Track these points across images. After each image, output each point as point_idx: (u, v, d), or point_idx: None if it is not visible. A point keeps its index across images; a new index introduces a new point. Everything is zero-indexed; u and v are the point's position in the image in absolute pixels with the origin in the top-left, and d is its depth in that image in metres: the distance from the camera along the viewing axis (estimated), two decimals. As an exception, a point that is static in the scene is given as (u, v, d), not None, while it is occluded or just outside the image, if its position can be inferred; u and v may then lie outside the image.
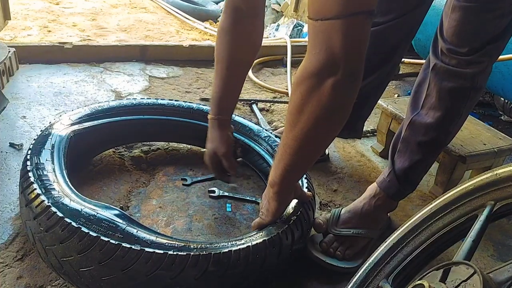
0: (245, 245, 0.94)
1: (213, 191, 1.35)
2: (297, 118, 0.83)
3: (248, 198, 1.35)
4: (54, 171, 1.04)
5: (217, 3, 4.32)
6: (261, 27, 1.19)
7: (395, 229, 0.87)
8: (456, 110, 1.13)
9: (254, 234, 1.00)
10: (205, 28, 3.17)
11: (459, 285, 0.59)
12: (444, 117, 1.13)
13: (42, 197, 0.93)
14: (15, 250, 1.05)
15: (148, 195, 1.30)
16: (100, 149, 1.39)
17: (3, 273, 0.99)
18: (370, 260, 0.87)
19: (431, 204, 0.83)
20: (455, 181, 1.49)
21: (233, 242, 0.95)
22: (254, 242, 0.95)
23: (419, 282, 0.63)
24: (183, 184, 1.37)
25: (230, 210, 1.30)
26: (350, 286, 0.87)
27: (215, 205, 1.31)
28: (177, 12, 3.42)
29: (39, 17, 2.84)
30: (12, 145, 1.42)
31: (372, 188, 1.27)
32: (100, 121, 1.30)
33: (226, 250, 0.91)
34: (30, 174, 0.99)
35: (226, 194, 1.35)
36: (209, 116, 1.25)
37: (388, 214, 1.31)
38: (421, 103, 1.16)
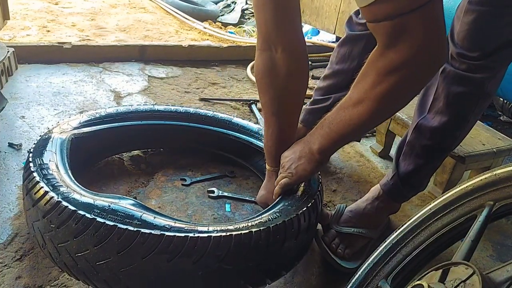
0: (265, 226, 0.93)
1: (212, 191, 1.35)
2: (379, 104, 0.86)
3: (247, 198, 1.35)
4: (59, 170, 1.02)
5: (216, 3, 4.32)
6: (306, 61, 1.07)
7: (395, 229, 0.87)
8: (463, 116, 1.11)
9: (273, 213, 0.99)
10: (204, 28, 3.17)
11: (458, 285, 0.59)
12: (451, 122, 1.11)
13: (51, 194, 0.90)
14: (14, 250, 1.05)
15: (147, 195, 1.30)
16: (99, 156, 1.38)
17: (2, 273, 0.98)
18: (369, 260, 0.87)
19: (430, 204, 0.83)
20: (454, 181, 1.49)
21: (253, 223, 0.94)
22: (274, 223, 0.94)
23: (418, 282, 0.63)
24: (182, 184, 1.37)
25: (229, 210, 1.30)
26: (349, 286, 0.87)
27: (214, 205, 1.31)
28: (176, 12, 3.42)
29: (38, 17, 2.84)
30: (11, 145, 1.42)
31: (375, 190, 1.27)
32: (98, 127, 1.29)
33: (247, 231, 0.90)
34: (35, 174, 0.97)
35: (225, 194, 1.35)
36: (266, 166, 1.17)
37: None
38: (428, 107, 1.14)
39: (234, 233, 0.88)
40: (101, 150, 1.36)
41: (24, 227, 1.11)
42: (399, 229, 0.86)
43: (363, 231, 1.18)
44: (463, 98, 1.08)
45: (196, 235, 0.85)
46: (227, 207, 1.31)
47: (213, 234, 0.86)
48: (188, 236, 0.84)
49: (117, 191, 1.30)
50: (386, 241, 0.87)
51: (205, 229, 0.89)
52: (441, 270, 0.63)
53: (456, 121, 1.11)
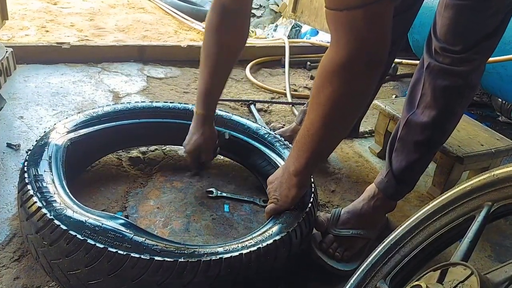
0: (255, 247, 0.93)
1: (211, 192, 1.35)
2: (329, 109, 0.85)
3: (246, 199, 1.35)
4: (54, 182, 1.01)
5: (215, 3, 4.31)
6: (247, 25, 1.22)
7: (393, 229, 0.87)
8: (451, 109, 1.14)
9: (263, 233, 0.99)
10: (203, 28, 3.16)
11: (456, 286, 0.59)
12: (440, 116, 1.13)
13: (44, 210, 0.90)
14: (12, 250, 1.05)
15: (146, 195, 1.30)
16: (97, 155, 1.37)
17: (0, 274, 0.98)
18: (368, 261, 0.86)
19: (429, 205, 0.83)
20: (452, 182, 1.49)
21: (243, 244, 0.94)
22: (264, 244, 0.94)
23: (416, 283, 0.63)
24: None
25: (228, 210, 1.30)
26: (348, 286, 0.86)
27: (213, 205, 1.31)
28: (175, 13, 3.42)
29: (36, 17, 2.83)
30: (9, 145, 1.42)
31: (370, 189, 1.27)
32: (96, 127, 1.28)
33: (237, 253, 0.90)
34: (29, 186, 0.96)
35: (224, 194, 1.35)
36: (196, 110, 1.29)
37: (386, 214, 1.32)
38: (416, 103, 1.16)
39: (224, 256, 0.89)
40: (99, 150, 1.35)
41: (22, 227, 1.11)
42: (397, 229, 0.86)
43: (361, 232, 1.18)
44: (449, 91, 1.10)
45: (186, 259, 0.86)
46: (226, 207, 1.31)
47: (203, 259, 0.87)
48: (177, 260, 0.85)
49: (116, 191, 1.29)
50: (384, 241, 0.87)
51: (195, 252, 0.89)
52: (439, 271, 0.63)
53: (444, 114, 1.13)
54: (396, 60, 2.62)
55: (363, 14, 0.74)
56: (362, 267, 0.86)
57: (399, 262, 0.83)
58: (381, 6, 0.75)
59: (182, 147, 1.52)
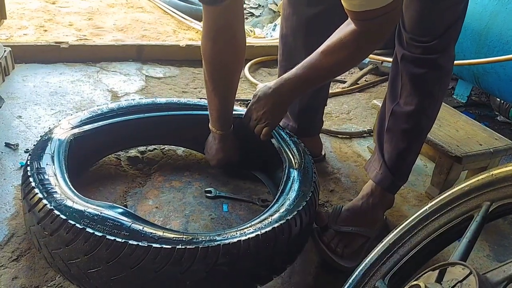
0: (254, 234, 0.93)
1: (210, 192, 1.34)
2: (342, 62, 1.10)
3: (244, 198, 1.35)
4: (55, 175, 1.02)
5: (214, 3, 4.30)
6: (243, 43, 1.22)
7: (392, 229, 0.88)
8: (432, 94, 1.18)
9: (263, 221, 0.99)
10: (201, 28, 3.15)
11: (455, 285, 0.59)
12: (422, 103, 1.17)
13: (45, 201, 0.91)
14: (11, 250, 1.05)
15: (145, 195, 1.30)
16: (101, 154, 1.37)
17: (-1, 274, 0.98)
18: (367, 260, 0.87)
19: (427, 204, 0.83)
20: (451, 181, 1.49)
21: (242, 232, 0.94)
22: (263, 231, 0.94)
23: (415, 282, 0.63)
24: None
25: (226, 210, 1.30)
26: (346, 286, 0.87)
27: (211, 205, 1.31)
28: (174, 12, 3.41)
29: (35, 17, 2.82)
30: (7, 145, 1.41)
31: (368, 187, 1.29)
32: (100, 123, 1.28)
33: (235, 240, 0.90)
34: (31, 179, 0.98)
35: (223, 194, 1.35)
36: (217, 131, 1.31)
37: (385, 214, 1.32)
38: (398, 94, 1.20)
39: (222, 243, 0.89)
40: (103, 148, 1.35)
41: (21, 227, 1.11)
42: (396, 229, 0.86)
43: (361, 229, 1.19)
44: (426, 79, 1.15)
45: (183, 246, 0.86)
46: (225, 207, 1.31)
47: (200, 245, 0.87)
48: (175, 247, 0.85)
49: (114, 191, 1.29)
50: (383, 241, 0.87)
51: (193, 239, 0.89)
52: (438, 271, 0.63)
53: (426, 100, 1.18)
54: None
55: (385, 20, 0.94)
56: (361, 267, 0.86)
57: (397, 261, 0.83)
58: (397, 10, 0.94)
59: (181, 147, 1.53)
